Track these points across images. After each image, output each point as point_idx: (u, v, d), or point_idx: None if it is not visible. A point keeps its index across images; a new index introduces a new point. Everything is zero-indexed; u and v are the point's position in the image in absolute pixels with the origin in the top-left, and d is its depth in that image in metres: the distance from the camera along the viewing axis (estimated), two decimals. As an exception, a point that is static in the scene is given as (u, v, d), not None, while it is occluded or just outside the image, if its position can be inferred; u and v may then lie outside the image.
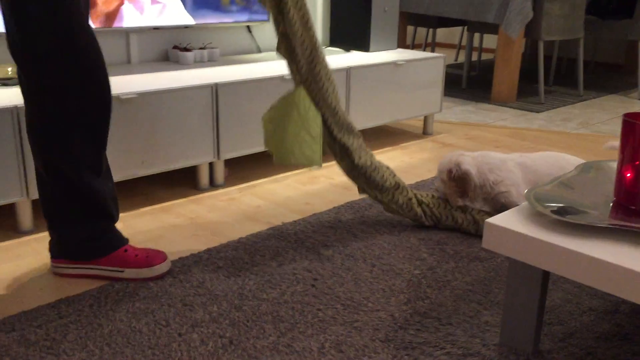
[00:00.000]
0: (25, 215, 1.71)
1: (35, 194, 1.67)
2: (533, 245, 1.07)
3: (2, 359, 1.16)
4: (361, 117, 2.50)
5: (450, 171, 1.69)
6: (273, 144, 1.65)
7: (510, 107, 3.56)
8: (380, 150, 2.63)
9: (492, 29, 3.86)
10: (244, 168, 2.32)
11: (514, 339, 1.22)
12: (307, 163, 1.62)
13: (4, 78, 1.82)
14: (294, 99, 1.61)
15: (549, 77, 4.34)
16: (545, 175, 1.70)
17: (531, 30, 3.56)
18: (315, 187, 2.15)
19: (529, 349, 1.20)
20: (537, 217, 1.14)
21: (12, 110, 1.59)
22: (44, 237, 1.69)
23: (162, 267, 1.48)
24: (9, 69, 1.84)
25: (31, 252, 1.60)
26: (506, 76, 3.62)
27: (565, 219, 1.09)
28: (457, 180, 1.69)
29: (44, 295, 1.40)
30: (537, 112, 3.46)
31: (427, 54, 2.80)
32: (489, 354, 1.20)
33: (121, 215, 1.85)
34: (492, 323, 1.31)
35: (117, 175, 1.82)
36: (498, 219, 1.12)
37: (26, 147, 1.63)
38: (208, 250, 1.62)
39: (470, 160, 1.71)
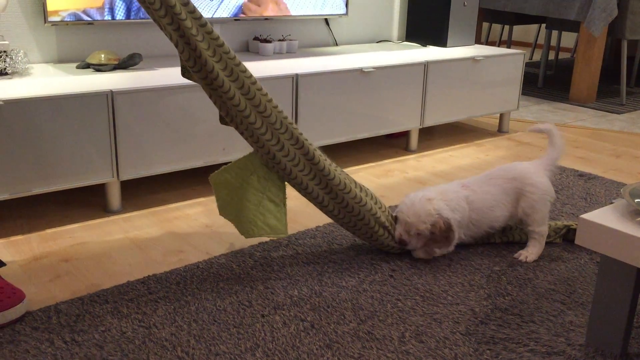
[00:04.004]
0: (115, 196, 1.78)
1: (124, 175, 1.75)
2: (628, 243, 1.04)
3: (96, 329, 1.22)
4: (437, 113, 2.48)
5: (434, 225, 1.49)
6: (231, 212, 1.47)
7: (589, 107, 3.45)
8: (454, 146, 2.60)
9: (572, 26, 3.74)
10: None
11: (601, 340, 1.19)
12: (272, 234, 1.45)
13: (98, 64, 1.90)
14: (250, 163, 1.45)
15: (631, 78, 4.18)
16: (487, 208, 1.57)
17: (614, 29, 3.43)
18: (390, 180, 2.15)
19: (616, 351, 1.17)
20: (633, 214, 1.11)
21: (107, 95, 1.66)
22: (132, 216, 1.77)
23: None
24: (102, 55, 1.92)
25: (119, 230, 1.68)
26: (586, 75, 3.50)
27: (664, 218, 1.05)
28: (440, 233, 1.50)
29: (133, 271, 1.46)
30: (618, 113, 3.34)
31: (506, 50, 2.74)
32: (575, 354, 1.18)
33: (202, 200, 1.91)
34: (577, 323, 1.28)
35: (200, 162, 1.88)
36: (592, 216, 1.10)
37: (119, 130, 1.70)
38: (287, 237, 1.65)
39: (447, 206, 1.51)
